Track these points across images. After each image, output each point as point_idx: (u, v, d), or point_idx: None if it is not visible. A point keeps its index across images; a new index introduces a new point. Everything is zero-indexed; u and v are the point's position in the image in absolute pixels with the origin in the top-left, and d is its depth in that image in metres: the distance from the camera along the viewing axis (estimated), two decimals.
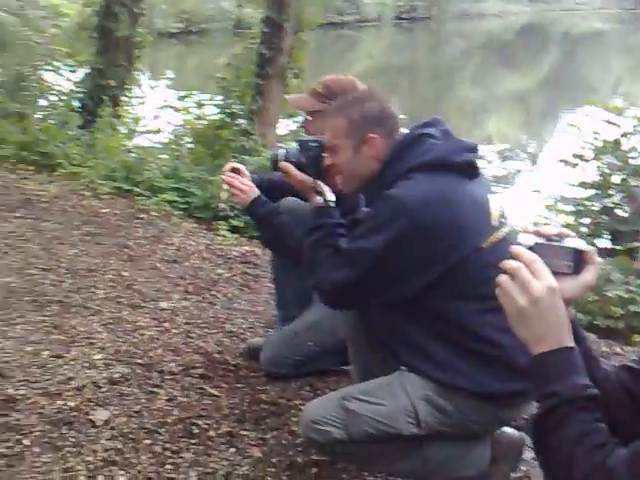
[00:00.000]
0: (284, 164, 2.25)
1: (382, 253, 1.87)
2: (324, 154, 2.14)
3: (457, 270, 1.87)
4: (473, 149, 2.01)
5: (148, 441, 2.27)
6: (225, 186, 2.63)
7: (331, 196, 2.14)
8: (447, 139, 2.01)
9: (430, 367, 1.94)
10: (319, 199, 2.14)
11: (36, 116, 7.01)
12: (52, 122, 6.86)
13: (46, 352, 2.84)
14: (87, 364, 2.75)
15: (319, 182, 2.17)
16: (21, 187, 5.34)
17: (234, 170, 2.63)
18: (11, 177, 5.60)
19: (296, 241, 2.48)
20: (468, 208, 1.89)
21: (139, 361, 2.81)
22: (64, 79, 7.65)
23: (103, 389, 2.57)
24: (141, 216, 4.86)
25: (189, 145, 6.40)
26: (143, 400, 2.52)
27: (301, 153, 2.26)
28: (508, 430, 2.11)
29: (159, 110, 7.71)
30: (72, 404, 2.45)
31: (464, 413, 1.94)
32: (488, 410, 1.94)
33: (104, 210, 4.95)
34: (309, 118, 2.72)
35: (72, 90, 7.46)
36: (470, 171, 1.97)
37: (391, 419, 1.94)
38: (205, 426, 2.38)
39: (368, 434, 1.93)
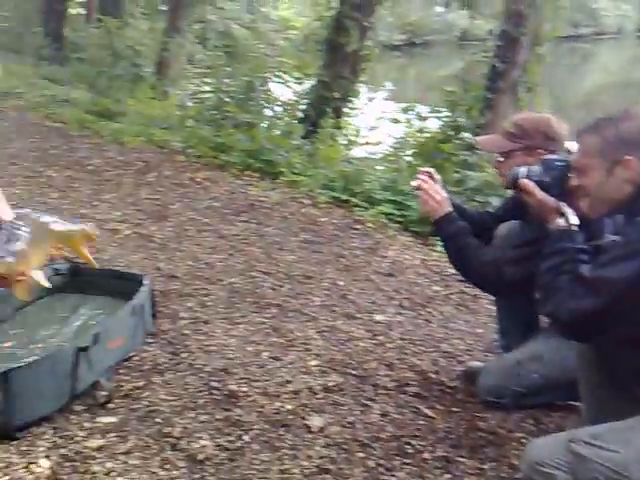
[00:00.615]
0: (525, 182, 2.18)
1: (631, 283, 1.74)
2: (570, 174, 2.05)
3: None
4: None
5: (361, 454, 2.31)
6: (418, 192, 2.63)
7: (574, 219, 2.04)
8: None
9: None
10: (561, 222, 2.05)
11: (262, 125, 7.46)
12: (277, 132, 7.26)
13: (266, 353, 3.00)
14: (303, 369, 2.87)
15: (562, 203, 2.08)
16: (246, 193, 5.72)
17: (429, 176, 2.63)
18: (237, 182, 6.02)
19: (481, 265, 2.44)
20: None
21: (353, 372, 2.87)
22: (289, 90, 8.07)
23: (318, 396, 2.66)
24: (357, 227, 4.98)
25: (408, 158, 6.45)
26: (357, 412, 2.57)
27: (545, 172, 2.18)
28: None
29: (377, 121, 7.86)
30: (289, 407, 2.56)
31: None
32: None
33: (322, 219, 5.14)
34: (501, 159, 2.65)
35: (297, 101, 7.84)
36: None
37: (625, 468, 1.79)
38: (419, 447, 2.36)
39: None
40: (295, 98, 7.86)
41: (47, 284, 2.47)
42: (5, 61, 12.99)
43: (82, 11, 15.72)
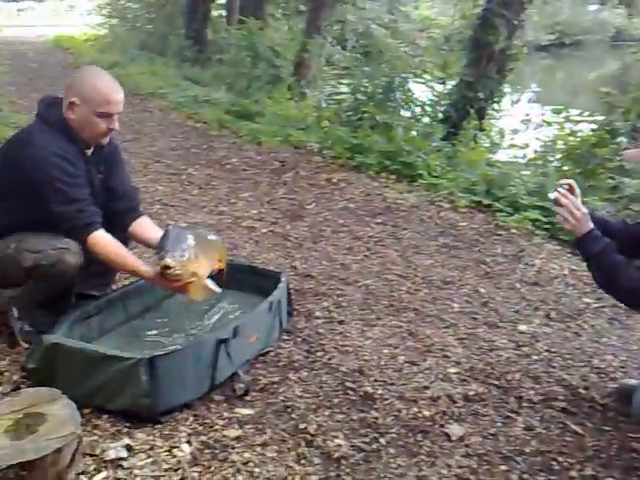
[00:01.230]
0: None
1: None
2: None
3: None
4: None
5: (504, 467, 2.26)
6: (557, 209, 2.54)
7: None
8: None
9: None
10: None
11: (400, 126, 7.46)
12: (415, 133, 7.24)
13: (402, 357, 3.00)
14: (441, 376, 2.84)
15: None
16: (382, 195, 5.75)
17: (569, 188, 2.53)
18: (373, 184, 6.06)
19: (630, 282, 2.32)
20: None
21: (495, 382, 2.82)
22: (429, 91, 8.02)
23: (458, 404, 2.63)
24: (500, 232, 4.88)
25: (556, 162, 6.25)
26: (499, 423, 2.52)
27: None
28: None
29: (521, 124, 7.68)
30: (427, 413, 2.55)
31: None
32: None
33: (462, 223, 5.08)
34: None
35: (437, 102, 7.79)
36: None
37: None
38: (566, 464, 2.28)
39: None
40: (436, 98, 7.81)
41: (218, 289, 2.64)
42: (150, 62, 13.77)
43: (224, 13, 16.36)
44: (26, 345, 2.71)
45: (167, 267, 2.43)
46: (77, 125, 2.70)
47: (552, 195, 2.59)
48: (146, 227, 2.97)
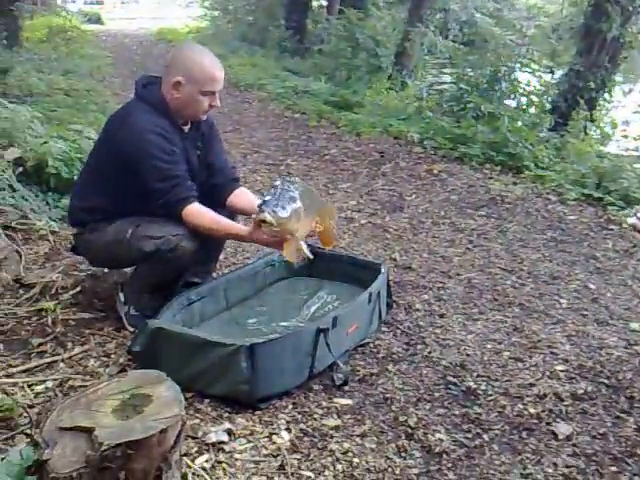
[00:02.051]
0: None
1: None
2: None
3: None
4: None
5: (613, 468, 2.19)
6: (637, 235, 2.40)
7: None
8: None
9: None
10: None
11: (506, 116, 7.30)
12: (521, 123, 7.08)
13: (506, 353, 2.95)
14: (548, 373, 2.78)
15: None
16: (486, 186, 5.66)
17: None
18: (477, 176, 5.97)
19: None
20: None
21: (605, 381, 2.73)
22: (537, 80, 7.82)
23: (565, 402, 2.56)
24: (611, 227, 4.70)
25: None
26: (609, 423, 2.44)
27: None
28: None
29: (633, 115, 7.40)
30: (532, 411, 2.49)
31: None
32: None
33: (570, 217, 4.93)
34: None
35: (545, 91, 7.59)
36: None
37: None
38: None
39: None
40: (543, 88, 7.61)
41: (310, 255, 2.62)
42: (250, 54, 14.02)
43: (324, 3, 16.43)
44: (132, 329, 2.82)
45: (264, 221, 2.39)
46: (180, 103, 2.74)
47: (631, 220, 2.47)
48: (245, 196, 2.98)
